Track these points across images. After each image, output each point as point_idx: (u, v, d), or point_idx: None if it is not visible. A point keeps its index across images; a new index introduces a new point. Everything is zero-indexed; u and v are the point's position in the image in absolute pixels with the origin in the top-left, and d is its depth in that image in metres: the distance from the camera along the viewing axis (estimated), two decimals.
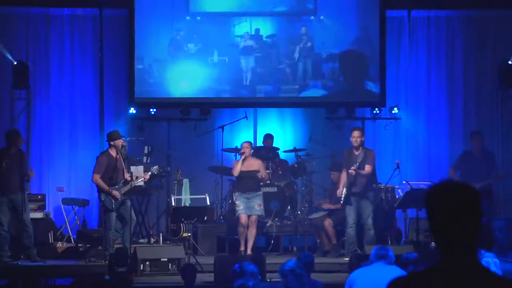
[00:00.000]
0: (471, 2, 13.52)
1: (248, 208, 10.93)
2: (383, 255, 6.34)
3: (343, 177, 11.04)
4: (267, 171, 11.85)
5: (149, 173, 10.85)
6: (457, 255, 2.38)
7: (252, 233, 10.94)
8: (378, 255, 6.34)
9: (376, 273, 6.05)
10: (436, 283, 2.36)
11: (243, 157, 11.01)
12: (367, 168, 10.81)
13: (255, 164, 11.10)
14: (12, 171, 10.47)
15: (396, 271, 5.95)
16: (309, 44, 13.23)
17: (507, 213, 12.42)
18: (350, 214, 10.91)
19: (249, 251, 10.82)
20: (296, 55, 13.24)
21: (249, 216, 10.94)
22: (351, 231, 10.90)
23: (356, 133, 10.99)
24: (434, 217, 2.41)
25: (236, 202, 11.03)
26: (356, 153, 10.95)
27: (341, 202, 10.96)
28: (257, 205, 10.96)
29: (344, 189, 10.88)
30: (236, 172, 11.05)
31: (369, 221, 10.80)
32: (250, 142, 11.45)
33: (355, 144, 10.95)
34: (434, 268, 2.40)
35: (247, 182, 11.00)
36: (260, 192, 11.09)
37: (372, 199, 10.96)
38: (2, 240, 10.46)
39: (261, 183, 11.26)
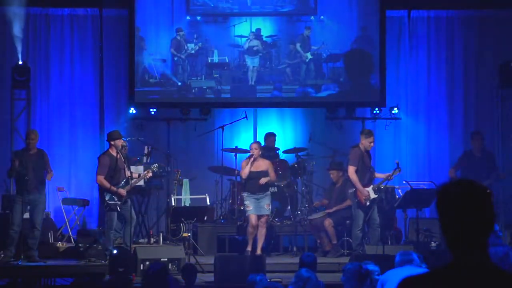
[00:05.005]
0: (471, 2, 13.50)
1: (257, 209, 10.96)
2: (408, 260, 6.12)
3: (354, 174, 10.90)
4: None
5: (150, 171, 10.84)
6: (469, 254, 2.37)
7: (262, 233, 10.98)
8: (404, 261, 6.12)
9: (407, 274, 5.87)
10: (449, 281, 2.35)
11: (251, 159, 10.98)
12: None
13: (263, 165, 11.07)
14: (30, 171, 10.44)
15: None
16: (310, 44, 13.24)
17: (507, 213, 12.40)
18: (361, 216, 10.89)
19: (258, 251, 10.86)
20: (297, 55, 13.25)
21: (259, 217, 10.96)
22: (359, 233, 10.91)
23: (373, 138, 11.03)
24: (445, 215, 2.40)
25: (245, 203, 11.04)
26: (367, 155, 11.02)
27: (368, 203, 10.83)
28: (266, 205, 11.00)
29: (373, 192, 10.87)
30: (244, 174, 11.01)
31: (378, 220, 10.83)
32: (258, 143, 11.42)
33: (369, 149, 11.02)
34: (446, 267, 2.39)
35: (256, 183, 10.97)
36: (268, 192, 11.12)
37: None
38: (10, 239, 10.45)
39: (269, 184, 11.22)
